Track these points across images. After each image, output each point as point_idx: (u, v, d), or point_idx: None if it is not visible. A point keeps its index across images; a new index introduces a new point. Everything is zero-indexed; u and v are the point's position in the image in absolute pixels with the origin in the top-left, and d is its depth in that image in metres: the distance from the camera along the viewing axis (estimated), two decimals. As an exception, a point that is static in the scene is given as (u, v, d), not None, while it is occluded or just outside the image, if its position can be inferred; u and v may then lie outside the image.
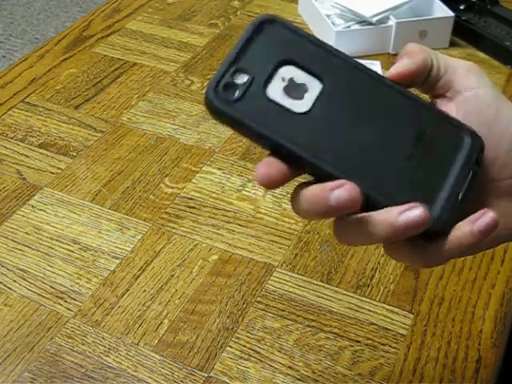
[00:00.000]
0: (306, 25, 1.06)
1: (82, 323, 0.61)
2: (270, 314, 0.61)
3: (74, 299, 0.63)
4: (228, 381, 0.56)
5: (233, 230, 0.70)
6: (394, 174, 0.37)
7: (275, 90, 0.37)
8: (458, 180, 0.38)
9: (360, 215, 0.36)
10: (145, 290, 0.64)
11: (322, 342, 0.59)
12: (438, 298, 0.63)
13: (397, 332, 0.60)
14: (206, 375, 0.56)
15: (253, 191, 0.74)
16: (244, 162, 0.79)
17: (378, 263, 0.66)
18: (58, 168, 0.78)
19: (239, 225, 0.71)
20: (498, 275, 0.65)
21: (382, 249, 0.68)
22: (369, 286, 0.64)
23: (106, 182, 0.76)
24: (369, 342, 0.59)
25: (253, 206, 0.73)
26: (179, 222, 0.71)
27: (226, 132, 0.83)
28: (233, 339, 0.59)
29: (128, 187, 0.75)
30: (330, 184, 0.35)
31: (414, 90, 0.40)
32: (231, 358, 0.58)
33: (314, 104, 0.38)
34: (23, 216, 0.72)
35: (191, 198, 0.74)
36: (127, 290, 0.64)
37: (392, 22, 0.97)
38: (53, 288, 0.64)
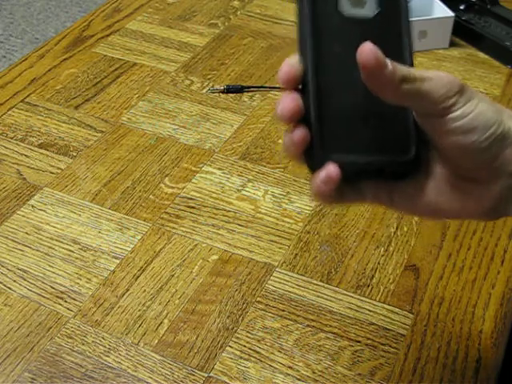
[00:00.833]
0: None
1: (82, 323, 0.61)
2: (269, 314, 0.61)
3: (73, 299, 0.63)
4: (228, 381, 0.56)
5: (233, 230, 0.70)
6: (342, 119, 0.40)
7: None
8: (368, 164, 0.40)
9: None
10: (145, 290, 0.64)
11: (322, 342, 0.59)
12: (438, 298, 0.63)
13: (397, 332, 0.60)
14: (205, 375, 0.56)
15: (253, 191, 0.74)
16: (244, 162, 0.79)
17: (378, 263, 0.66)
18: (58, 168, 0.78)
19: (239, 225, 0.71)
20: (497, 275, 0.65)
21: (382, 249, 0.68)
22: (369, 286, 0.64)
23: (106, 182, 0.76)
24: (369, 341, 0.59)
25: (253, 206, 0.73)
26: (179, 222, 0.71)
27: (226, 132, 0.83)
28: (233, 339, 0.59)
29: (128, 187, 0.75)
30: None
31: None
32: (231, 358, 0.58)
33: (354, 18, 0.40)
34: (23, 216, 0.72)
35: (191, 198, 0.74)
36: (127, 290, 0.64)
37: (392, 22, 0.97)
38: (53, 288, 0.64)
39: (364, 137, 0.40)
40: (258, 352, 0.58)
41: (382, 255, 0.67)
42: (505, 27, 1.01)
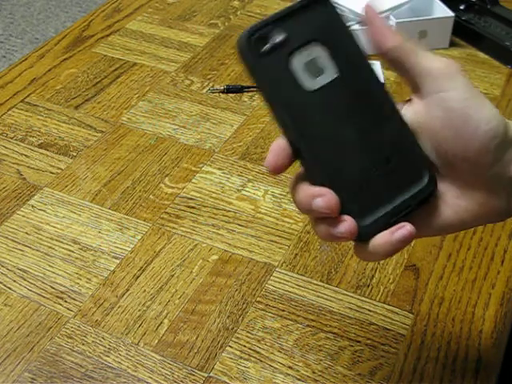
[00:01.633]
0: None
1: (82, 323, 0.61)
2: (269, 314, 0.61)
3: (73, 299, 0.63)
4: (228, 381, 0.56)
5: (233, 230, 0.70)
6: (354, 182, 0.41)
7: (298, 61, 0.40)
8: (397, 209, 0.41)
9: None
10: (145, 290, 0.64)
11: (322, 342, 0.59)
12: (438, 298, 0.63)
13: (397, 332, 0.60)
14: (206, 375, 0.56)
15: (253, 191, 0.74)
16: (244, 162, 0.79)
17: (378, 263, 0.66)
18: (58, 168, 0.78)
19: (239, 225, 0.71)
20: (497, 275, 0.65)
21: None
22: (369, 286, 0.64)
23: (106, 181, 0.76)
24: (369, 341, 0.59)
25: (253, 206, 0.73)
26: (179, 222, 0.71)
27: (226, 132, 0.84)
28: (233, 339, 0.59)
29: (128, 187, 0.75)
30: (313, 190, 0.40)
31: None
32: (231, 358, 0.58)
33: (320, 88, 0.41)
34: (23, 216, 0.72)
35: (191, 198, 0.74)
36: (127, 290, 0.64)
37: (392, 22, 0.97)
38: (53, 288, 0.64)
39: (380, 187, 0.42)
40: (257, 352, 0.58)
41: (382, 255, 0.67)
42: (505, 27, 1.01)
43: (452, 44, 1.01)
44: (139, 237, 0.69)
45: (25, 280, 0.65)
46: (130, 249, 0.68)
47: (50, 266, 0.66)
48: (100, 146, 0.81)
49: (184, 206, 0.73)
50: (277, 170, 0.41)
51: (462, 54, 1.00)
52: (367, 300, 0.63)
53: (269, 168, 0.41)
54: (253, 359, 0.58)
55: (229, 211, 0.72)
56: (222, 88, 0.90)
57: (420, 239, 0.69)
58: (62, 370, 0.57)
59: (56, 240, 0.69)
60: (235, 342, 0.59)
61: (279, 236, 0.69)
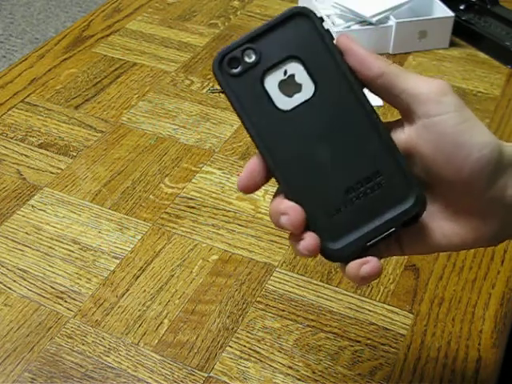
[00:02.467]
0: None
1: (82, 323, 0.61)
2: (269, 314, 0.61)
3: (73, 299, 0.63)
4: (228, 381, 0.56)
5: (233, 230, 0.70)
6: (330, 201, 0.40)
7: (272, 80, 0.40)
8: (376, 230, 0.40)
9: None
10: (145, 290, 0.64)
11: (322, 342, 0.59)
12: (438, 298, 0.63)
13: (397, 332, 0.60)
14: (206, 375, 0.56)
15: (253, 191, 0.74)
16: (244, 162, 0.79)
17: (378, 263, 0.66)
18: (58, 168, 0.78)
19: (239, 225, 0.71)
20: (497, 275, 0.65)
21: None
22: (369, 286, 0.64)
23: (106, 181, 0.76)
24: (369, 341, 0.59)
25: (253, 206, 0.73)
26: (179, 222, 0.71)
27: (226, 132, 0.83)
28: (233, 339, 0.59)
29: (128, 187, 0.75)
30: (281, 207, 0.40)
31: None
32: (231, 358, 0.58)
33: (296, 107, 0.40)
34: (23, 216, 0.72)
35: (191, 198, 0.74)
36: (127, 290, 0.64)
37: (392, 22, 0.97)
38: (53, 288, 0.64)
39: (359, 207, 0.40)
40: (258, 352, 0.58)
41: (382, 255, 0.67)
42: (505, 27, 1.01)
43: (452, 44, 1.01)
44: (139, 237, 0.69)
45: (25, 280, 0.65)
46: (129, 249, 0.68)
47: (49, 265, 0.66)
48: (100, 146, 0.81)
49: (184, 206, 0.73)
50: (248, 190, 0.41)
51: (462, 54, 1.00)
52: (367, 300, 0.63)
53: (239, 187, 0.40)
54: (253, 359, 0.58)
55: (229, 211, 0.72)
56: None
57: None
58: (62, 369, 0.57)
59: (56, 240, 0.69)
60: (235, 342, 0.59)
61: (279, 236, 0.69)
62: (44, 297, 0.63)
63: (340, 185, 0.40)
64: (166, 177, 0.77)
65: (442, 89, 0.39)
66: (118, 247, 0.68)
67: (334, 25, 0.98)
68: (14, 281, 0.65)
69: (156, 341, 0.59)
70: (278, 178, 0.40)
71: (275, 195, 0.41)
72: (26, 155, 0.80)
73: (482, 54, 1.00)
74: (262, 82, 0.40)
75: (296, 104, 0.40)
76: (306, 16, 0.40)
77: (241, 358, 0.58)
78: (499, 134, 0.84)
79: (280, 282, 0.65)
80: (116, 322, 0.61)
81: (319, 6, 1.02)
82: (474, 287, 0.64)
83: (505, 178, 0.39)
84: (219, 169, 0.78)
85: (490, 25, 1.03)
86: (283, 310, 0.62)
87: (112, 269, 0.66)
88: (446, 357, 0.58)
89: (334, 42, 0.40)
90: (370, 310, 0.62)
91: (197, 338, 0.59)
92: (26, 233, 0.70)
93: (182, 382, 0.56)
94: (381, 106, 0.86)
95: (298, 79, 0.40)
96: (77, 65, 0.97)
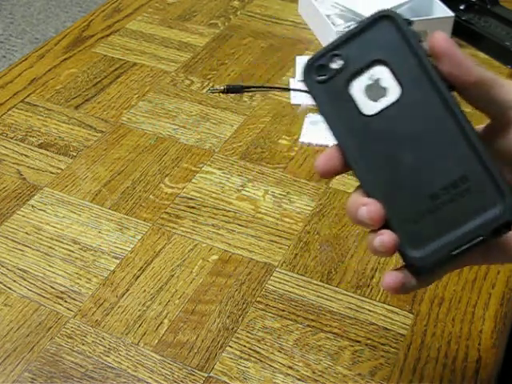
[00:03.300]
0: (305, 25, 1.06)
1: (82, 323, 0.61)
2: (269, 314, 0.61)
3: (73, 299, 0.63)
4: (228, 381, 0.56)
5: (233, 230, 0.70)
6: (413, 206, 0.39)
7: (358, 85, 0.40)
8: (462, 238, 0.38)
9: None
10: (145, 290, 0.64)
11: (322, 342, 0.59)
12: (438, 298, 0.63)
13: (397, 332, 0.60)
14: (206, 375, 0.56)
15: (253, 191, 0.74)
16: (244, 162, 0.79)
17: (378, 263, 0.66)
18: (58, 168, 0.78)
19: (239, 225, 0.71)
20: (497, 275, 0.65)
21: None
22: (369, 286, 0.64)
23: (106, 181, 0.76)
24: (369, 341, 0.59)
25: (253, 206, 0.73)
26: (179, 222, 0.71)
27: (226, 132, 0.84)
28: (233, 339, 0.59)
29: (128, 187, 0.75)
30: (361, 200, 0.39)
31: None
32: (231, 358, 0.58)
33: (381, 111, 0.40)
34: (23, 216, 0.72)
35: (191, 198, 0.74)
36: (127, 290, 0.64)
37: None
38: (53, 288, 0.64)
39: (445, 214, 0.39)
40: (258, 352, 0.58)
41: (382, 255, 0.67)
42: (505, 27, 1.01)
43: (452, 44, 1.01)
44: (139, 237, 0.69)
45: (25, 280, 0.65)
46: (130, 249, 0.68)
47: (49, 265, 0.66)
48: (100, 146, 0.81)
49: (184, 206, 0.73)
50: (325, 175, 0.40)
51: (462, 54, 1.00)
52: (367, 300, 0.63)
53: (317, 168, 0.40)
54: (253, 359, 0.58)
55: (229, 211, 0.72)
56: (222, 88, 0.90)
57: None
58: (62, 369, 0.57)
59: (56, 240, 0.69)
60: (235, 342, 0.59)
61: (279, 236, 0.69)
62: (44, 297, 0.63)
63: (425, 190, 0.39)
64: (165, 177, 0.77)
65: None
66: (117, 247, 0.68)
67: (334, 25, 0.98)
68: (14, 281, 0.65)
69: (156, 341, 0.59)
70: (361, 181, 0.40)
71: (354, 191, 0.41)
72: (25, 155, 0.80)
73: (482, 54, 1.00)
74: (347, 88, 0.40)
75: (381, 108, 0.40)
76: (392, 19, 0.39)
77: (241, 358, 0.58)
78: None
79: (280, 282, 0.65)
80: (116, 322, 0.61)
81: (319, 6, 1.02)
82: (474, 287, 0.64)
83: None
84: (219, 169, 0.78)
85: (490, 25, 1.02)
86: (283, 310, 0.62)
87: (112, 269, 0.66)
88: (445, 357, 0.58)
89: (423, 43, 0.39)
90: (369, 310, 0.62)
91: (197, 338, 0.59)
92: (26, 233, 0.70)
93: (181, 382, 0.56)
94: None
95: (383, 83, 0.40)
96: (77, 65, 0.96)
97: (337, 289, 0.64)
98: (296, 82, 0.93)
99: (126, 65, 0.96)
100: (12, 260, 0.67)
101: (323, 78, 0.40)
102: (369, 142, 0.40)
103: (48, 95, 0.90)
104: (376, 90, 0.40)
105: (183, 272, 0.65)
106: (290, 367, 0.57)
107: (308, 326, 0.61)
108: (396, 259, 0.67)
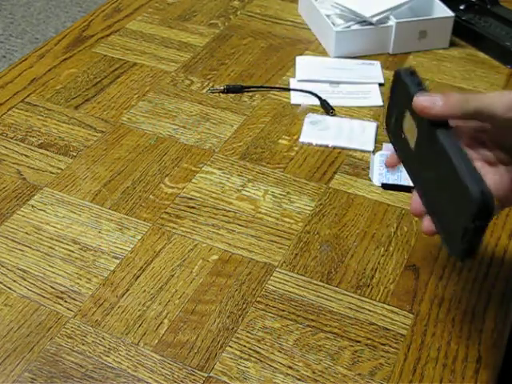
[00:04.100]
0: (305, 25, 1.06)
1: (82, 323, 0.61)
2: (270, 314, 0.61)
3: (73, 299, 0.63)
4: (228, 381, 0.56)
5: (233, 230, 0.70)
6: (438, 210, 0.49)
7: (405, 125, 0.51)
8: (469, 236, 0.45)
9: None
10: (145, 290, 0.64)
11: (322, 342, 0.59)
12: (438, 298, 0.63)
13: (397, 332, 0.60)
14: (206, 375, 0.56)
15: (253, 191, 0.74)
16: (244, 162, 0.79)
17: (378, 263, 0.66)
18: (58, 168, 0.78)
19: (239, 225, 0.71)
20: (497, 275, 0.65)
21: (382, 249, 0.68)
22: (369, 286, 0.64)
23: (106, 181, 0.76)
24: (369, 341, 0.59)
25: (253, 206, 0.73)
26: (179, 222, 0.71)
27: (226, 132, 0.83)
28: (233, 339, 0.59)
29: (128, 187, 0.75)
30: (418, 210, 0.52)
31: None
32: (231, 358, 0.58)
33: (414, 146, 0.50)
34: (23, 216, 0.72)
35: (191, 198, 0.74)
36: (127, 290, 0.64)
37: (392, 22, 0.97)
38: (53, 288, 0.64)
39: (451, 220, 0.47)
40: (258, 352, 0.58)
41: (382, 255, 0.67)
42: (505, 27, 1.01)
43: (452, 44, 1.01)
44: (139, 237, 0.69)
45: (25, 280, 0.65)
46: (129, 249, 0.68)
47: (50, 265, 0.66)
48: (100, 146, 0.81)
49: (184, 206, 0.73)
50: (391, 165, 0.55)
51: (462, 54, 1.00)
52: (367, 300, 0.63)
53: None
54: (253, 359, 0.58)
55: (229, 211, 0.72)
56: (222, 88, 0.90)
57: (420, 239, 0.69)
58: (62, 369, 0.57)
59: (56, 240, 0.69)
60: (235, 342, 0.59)
61: (279, 236, 0.69)
62: (44, 297, 0.63)
63: (436, 207, 0.49)
64: (166, 177, 0.77)
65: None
66: (117, 247, 0.68)
67: (334, 25, 0.98)
68: (14, 281, 0.65)
69: (156, 341, 0.59)
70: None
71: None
72: (26, 155, 0.80)
73: (481, 54, 1.00)
74: (402, 129, 0.52)
75: (414, 143, 0.50)
76: (397, 75, 0.51)
77: (241, 358, 0.58)
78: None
79: (280, 282, 0.64)
80: (116, 322, 0.61)
81: (319, 6, 1.02)
82: (474, 287, 0.64)
83: None
84: (219, 169, 0.78)
85: (490, 25, 1.02)
86: (283, 310, 0.62)
87: (112, 269, 0.66)
88: (445, 357, 0.58)
89: (424, 86, 0.50)
90: (369, 310, 0.62)
91: (197, 338, 0.59)
92: (26, 233, 0.70)
93: (181, 382, 0.56)
94: (381, 106, 0.86)
95: (409, 124, 0.50)
96: (77, 65, 0.96)
97: (337, 289, 0.64)
98: (296, 81, 0.93)
99: (126, 65, 0.96)
100: (12, 260, 0.67)
101: (391, 126, 0.55)
102: (414, 166, 0.52)
103: (48, 95, 0.90)
104: (409, 130, 0.51)
105: (183, 272, 0.65)
106: (290, 367, 0.57)
107: (308, 326, 0.61)
108: (396, 258, 0.67)
